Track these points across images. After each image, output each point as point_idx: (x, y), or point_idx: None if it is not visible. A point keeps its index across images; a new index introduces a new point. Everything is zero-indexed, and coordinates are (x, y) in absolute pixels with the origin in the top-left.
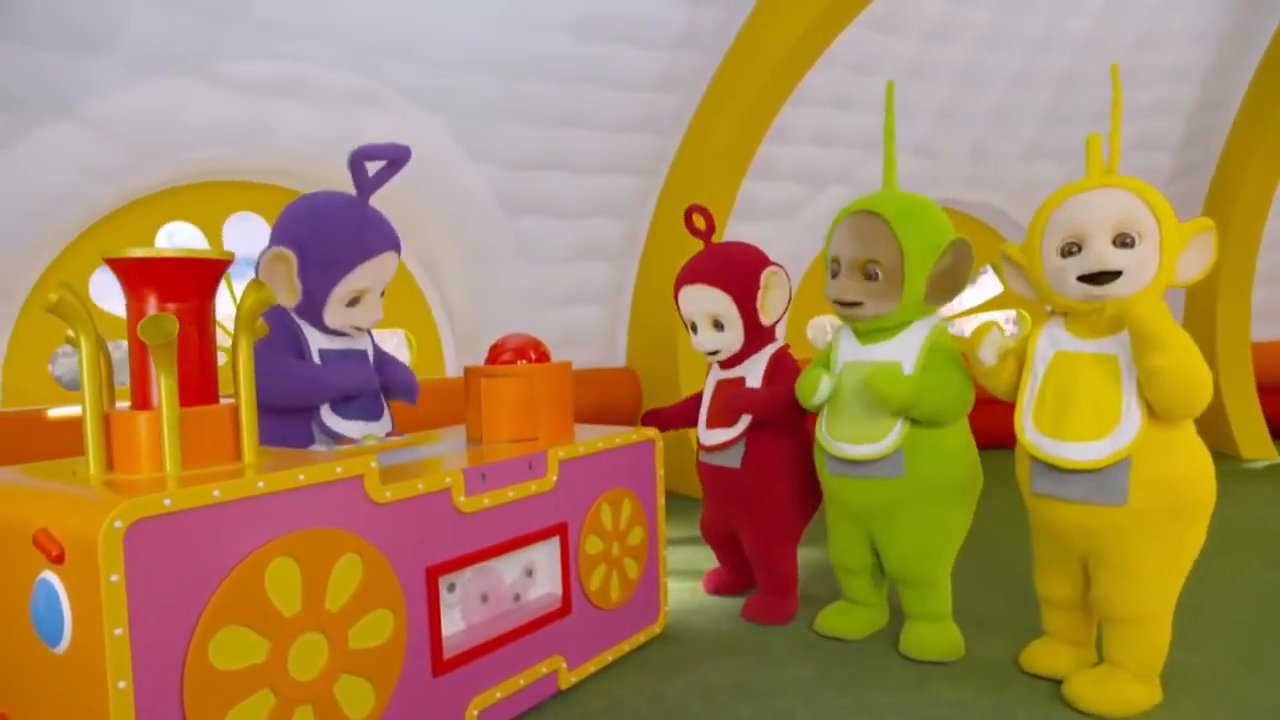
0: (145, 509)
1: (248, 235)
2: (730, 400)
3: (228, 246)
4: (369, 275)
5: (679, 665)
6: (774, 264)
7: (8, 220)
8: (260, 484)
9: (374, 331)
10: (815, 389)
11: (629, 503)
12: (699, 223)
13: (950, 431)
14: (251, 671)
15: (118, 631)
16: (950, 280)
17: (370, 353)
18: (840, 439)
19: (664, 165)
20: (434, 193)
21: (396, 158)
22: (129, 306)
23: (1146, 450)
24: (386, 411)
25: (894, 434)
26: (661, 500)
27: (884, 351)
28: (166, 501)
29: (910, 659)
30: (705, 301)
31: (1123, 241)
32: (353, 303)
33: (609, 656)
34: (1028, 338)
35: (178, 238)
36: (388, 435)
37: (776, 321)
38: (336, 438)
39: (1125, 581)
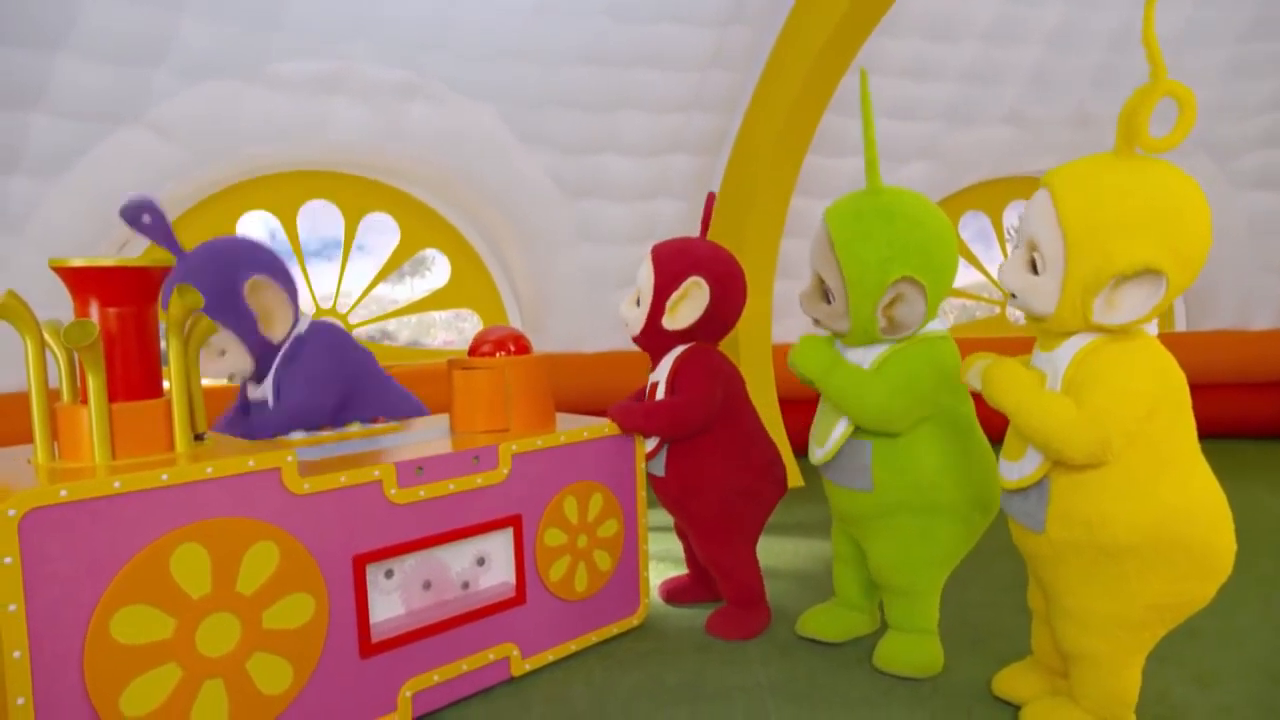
0: (41, 499)
1: (323, 221)
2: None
3: (303, 232)
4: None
5: (642, 659)
6: (705, 277)
7: (91, 221)
8: (164, 476)
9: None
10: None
11: (600, 495)
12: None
13: (928, 449)
14: (156, 646)
15: (12, 607)
16: (897, 324)
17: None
18: (811, 438)
19: (728, 144)
20: (490, 178)
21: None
22: (75, 310)
23: (1065, 482)
24: None
25: (835, 435)
26: (643, 493)
27: (858, 355)
28: (63, 492)
29: (881, 671)
30: (641, 272)
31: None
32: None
33: (573, 646)
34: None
35: (254, 226)
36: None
37: (683, 336)
38: None
39: (1063, 616)
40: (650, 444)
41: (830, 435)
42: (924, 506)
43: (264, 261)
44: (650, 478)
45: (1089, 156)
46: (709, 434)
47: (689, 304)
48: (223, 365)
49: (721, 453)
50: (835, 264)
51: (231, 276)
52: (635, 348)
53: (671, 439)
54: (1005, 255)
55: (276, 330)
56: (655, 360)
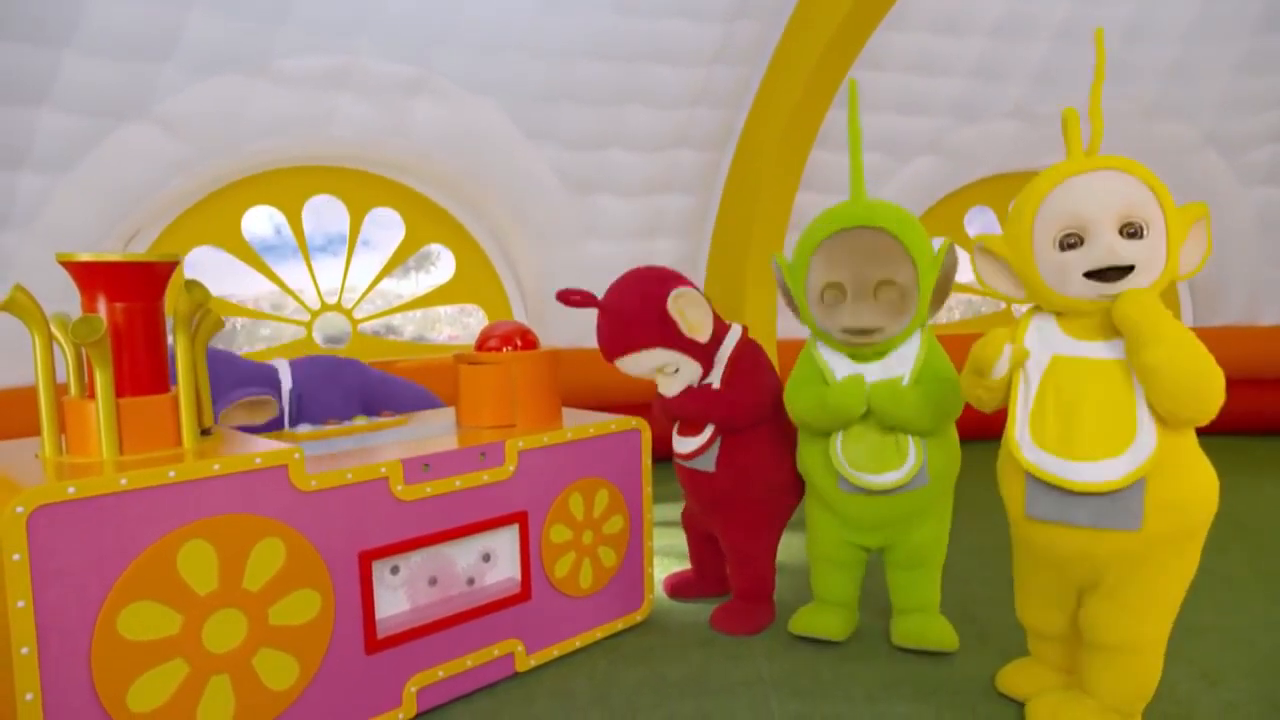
0: (49, 496)
1: (327, 216)
2: (675, 408)
3: (308, 227)
4: None
5: (647, 655)
6: (675, 288)
7: (99, 213)
8: (171, 473)
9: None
10: (861, 391)
11: (605, 492)
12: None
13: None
14: (163, 643)
15: (20, 604)
16: (944, 290)
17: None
18: (861, 469)
19: (733, 139)
20: (495, 173)
21: None
22: (82, 305)
23: (1161, 468)
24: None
25: (912, 456)
26: (648, 489)
27: (881, 369)
28: (71, 489)
29: (907, 650)
30: (641, 363)
31: (1130, 232)
32: None
33: (577, 642)
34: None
35: (258, 221)
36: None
37: (712, 331)
38: None
39: (1123, 609)
40: (700, 441)
41: (908, 457)
42: (954, 475)
43: None
44: (693, 474)
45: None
46: (764, 427)
47: (692, 312)
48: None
49: (771, 446)
50: (907, 256)
51: None
52: None
53: (729, 431)
54: None
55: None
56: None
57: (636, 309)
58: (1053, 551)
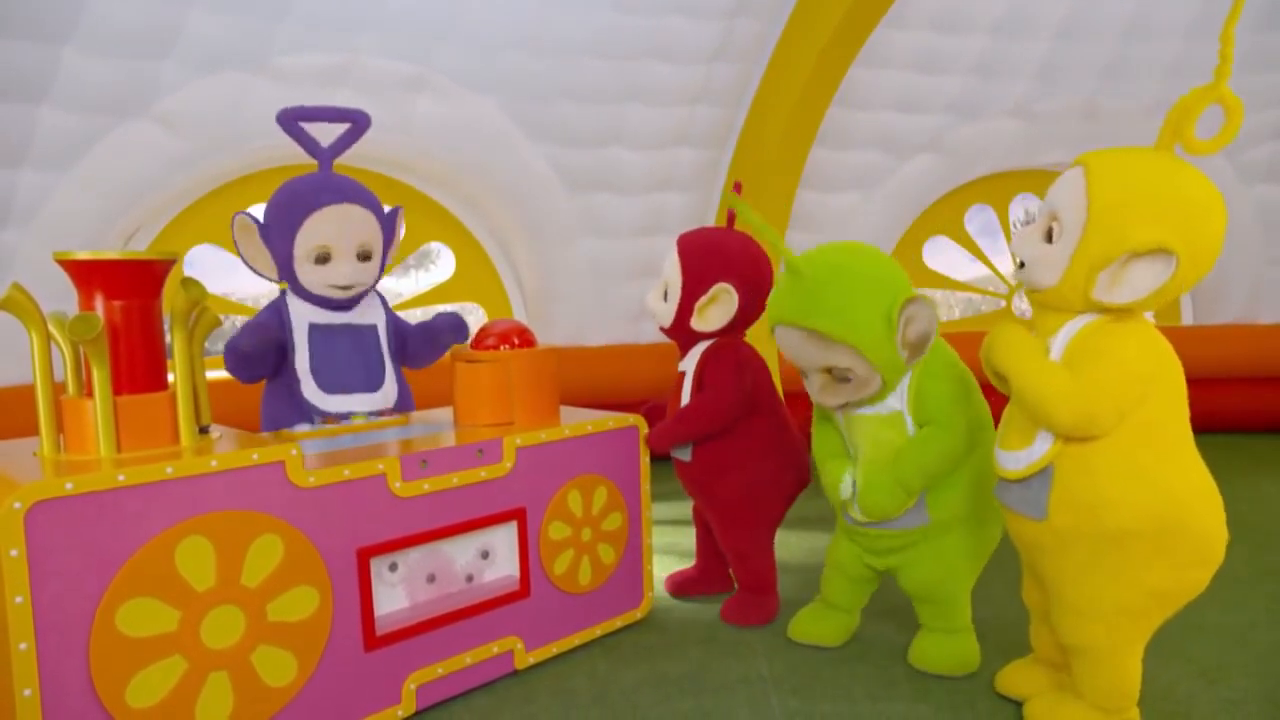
0: (46, 492)
1: None
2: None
3: None
4: (324, 228)
5: (646, 652)
6: (734, 282)
7: (99, 210)
8: (169, 469)
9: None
10: (838, 488)
11: (604, 489)
12: (732, 198)
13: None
14: (161, 639)
15: (19, 600)
16: (921, 343)
17: (382, 327)
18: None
19: (733, 136)
20: (495, 171)
21: (347, 120)
22: (80, 303)
23: (1067, 466)
24: (388, 383)
25: (919, 501)
26: (646, 486)
27: (879, 405)
28: (69, 485)
29: (918, 670)
30: (668, 267)
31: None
32: (321, 260)
33: (576, 640)
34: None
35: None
36: (379, 412)
37: (710, 333)
38: (320, 414)
39: (1067, 608)
40: None
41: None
42: (973, 512)
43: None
44: (675, 464)
45: (1129, 147)
46: (739, 425)
47: (717, 309)
48: (359, 271)
49: (746, 441)
50: (841, 347)
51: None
52: (641, 341)
53: (710, 434)
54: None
55: (388, 264)
56: (684, 349)
57: (721, 251)
58: (1009, 528)
